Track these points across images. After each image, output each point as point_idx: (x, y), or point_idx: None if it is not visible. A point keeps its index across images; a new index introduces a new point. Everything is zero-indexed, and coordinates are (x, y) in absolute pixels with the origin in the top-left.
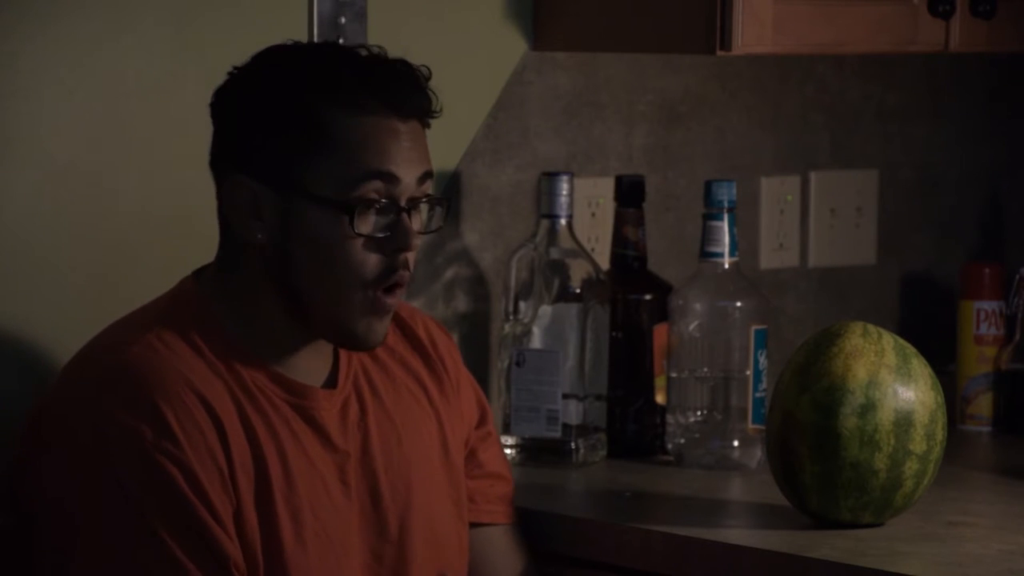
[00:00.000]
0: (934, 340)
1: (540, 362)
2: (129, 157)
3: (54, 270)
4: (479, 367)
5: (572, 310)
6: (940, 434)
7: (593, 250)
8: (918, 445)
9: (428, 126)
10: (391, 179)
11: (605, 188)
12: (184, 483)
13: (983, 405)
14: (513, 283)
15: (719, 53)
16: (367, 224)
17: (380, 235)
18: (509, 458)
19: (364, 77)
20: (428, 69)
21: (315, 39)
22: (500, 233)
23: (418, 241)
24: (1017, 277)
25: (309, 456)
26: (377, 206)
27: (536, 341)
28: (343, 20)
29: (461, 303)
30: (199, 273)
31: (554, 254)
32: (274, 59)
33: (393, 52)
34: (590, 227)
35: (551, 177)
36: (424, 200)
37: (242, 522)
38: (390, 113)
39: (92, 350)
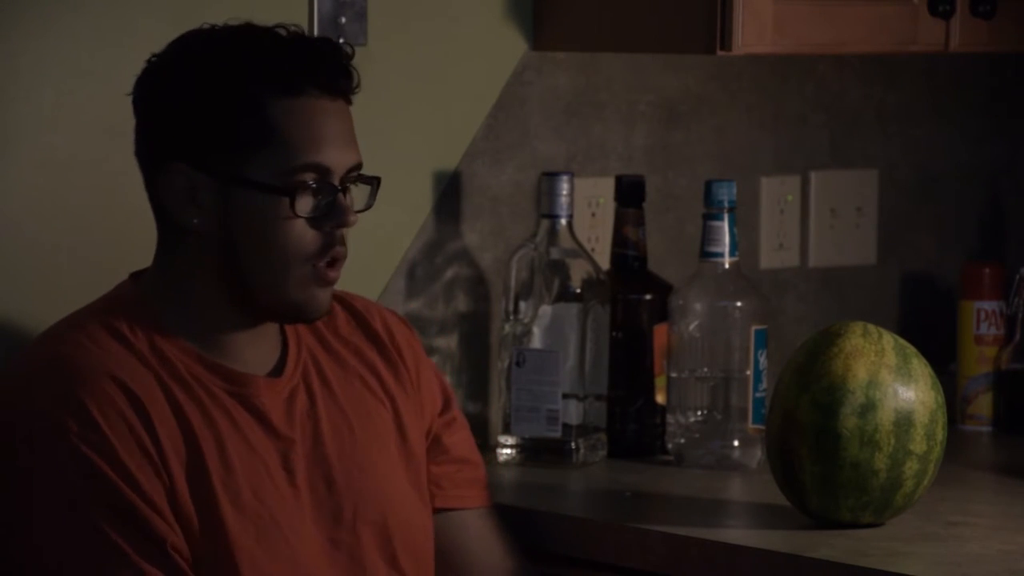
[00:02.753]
0: (934, 340)
1: (540, 362)
2: (128, 157)
3: (53, 269)
4: (479, 367)
5: (572, 310)
6: (940, 434)
7: (593, 250)
8: (918, 445)
9: (351, 103)
10: (327, 165)
11: (605, 188)
12: (111, 471)
13: (983, 405)
14: (513, 283)
15: (719, 53)
16: (306, 206)
17: (318, 215)
18: (509, 458)
19: (298, 59)
20: (352, 47)
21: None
22: (500, 233)
23: (355, 218)
24: (1017, 277)
25: (249, 442)
26: (314, 188)
27: (536, 341)
28: (343, 20)
29: (461, 303)
30: (137, 274)
31: (554, 254)
32: (203, 45)
33: (392, 52)
34: (590, 227)
35: (551, 177)
36: (356, 177)
37: (177, 505)
38: (322, 94)
39: (27, 350)
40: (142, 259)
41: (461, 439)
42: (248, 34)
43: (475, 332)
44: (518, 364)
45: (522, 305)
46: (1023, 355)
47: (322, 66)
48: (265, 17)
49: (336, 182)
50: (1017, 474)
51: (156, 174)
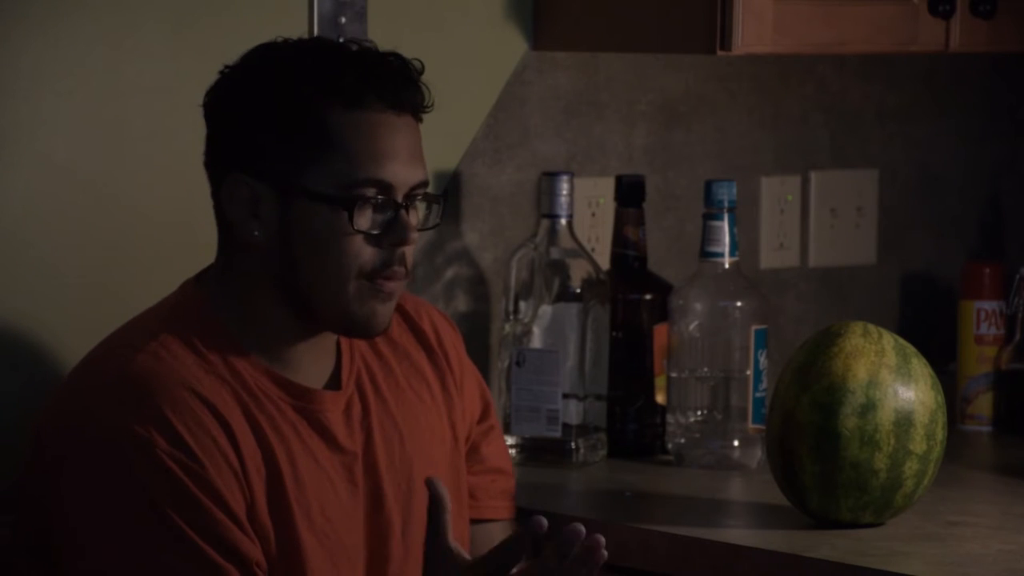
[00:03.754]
0: (934, 340)
1: (540, 362)
2: (128, 157)
3: (53, 270)
4: (479, 367)
5: (572, 310)
6: (940, 434)
7: (593, 250)
8: (918, 445)
9: (421, 120)
10: (389, 181)
11: (605, 188)
12: (200, 491)
13: (983, 405)
14: (513, 283)
15: (719, 53)
16: (365, 220)
17: (377, 231)
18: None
19: (361, 72)
20: (421, 63)
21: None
22: (500, 233)
23: (416, 236)
24: (1017, 277)
25: (316, 459)
26: (375, 203)
27: (536, 341)
28: (343, 20)
29: (461, 303)
30: (201, 276)
31: (554, 254)
32: (269, 57)
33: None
34: (590, 227)
35: (551, 177)
36: (420, 196)
37: (257, 522)
38: (386, 108)
39: (96, 359)
40: (142, 259)
41: (497, 449)
42: (315, 46)
43: (475, 332)
44: (518, 364)
45: (522, 305)
46: (1023, 355)
47: (387, 79)
48: (265, 17)
49: (399, 198)
50: (1017, 474)
51: (219, 185)
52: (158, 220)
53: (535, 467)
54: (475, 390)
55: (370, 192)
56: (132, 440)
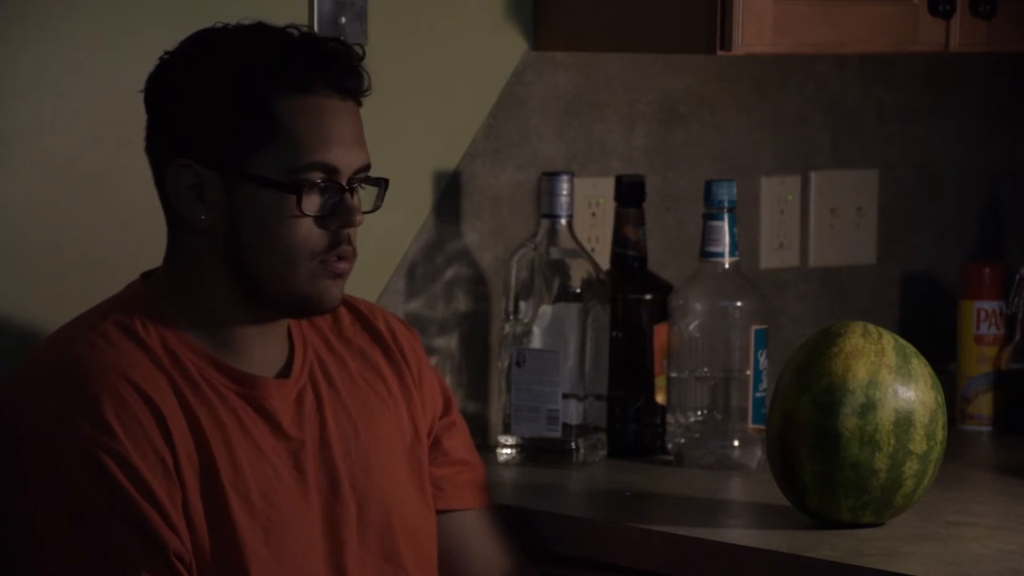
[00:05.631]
0: (934, 340)
1: (540, 362)
2: (128, 157)
3: (53, 269)
4: (479, 367)
5: (572, 310)
6: (940, 434)
7: (593, 250)
8: (918, 445)
9: (361, 105)
10: (334, 165)
11: (605, 188)
12: (122, 475)
13: (983, 405)
14: (513, 283)
15: (719, 53)
16: (312, 204)
17: (324, 214)
18: (509, 458)
19: (307, 58)
20: (362, 48)
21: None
22: (500, 233)
23: (361, 219)
24: (1017, 277)
25: (258, 445)
26: (321, 186)
27: (536, 341)
28: (343, 20)
29: (461, 303)
30: (147, 274)
31: (554, 254)
32: (210, 42)
33: (392, 52)
34: (590, 227)
35: (551, 177)
36: (364, 178)
37: (189, 509)
38: (332, 93)
39: (39, 349)
40: (142, 259)
41: (461, 442)
42: (259, 32)
43: (475, 332)
44: (518, 364)
45: (522, 305)
46: (1023, 355)
47: (332, 65)
48: (265, 17)
49: (344, 182)
50: (1017, 474)
51: (164, 170)
52: (158, 220)
53: (535, 467)
54: (435, 386)
55: (316, 176)
56: (58, 425)
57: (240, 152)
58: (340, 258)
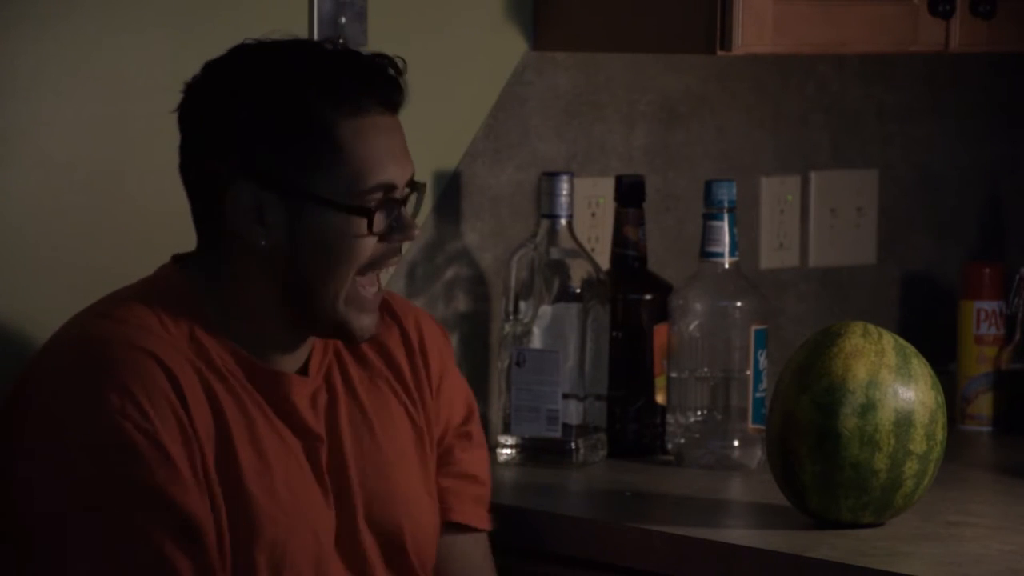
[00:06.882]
0: (934, 340)
1: (540, 362)
2: (129, 157)
3: (54, 270)
4: (479, 367)
5: (572, 310)
6: (940, 434)
7: (593, 250)
8: (918, 445)
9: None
10: (393, 182)
11: (605, 188)
12: (149, 448)
13: (983, 405)
14: (513, 283)
15: (719, 53)
16: (380, 223)
17: (388, 231)
18: (509, 458)
19: (359, 78)
20: (403, 59)
21: (315, 39)
22: (500, 233)
23: (418, 230)
24: (1017, 277)
25: (282, 437)
26: (386, 205)
27: (536, 341)
28: (343, 20)
29: (461, 303)
30: (180, 259)
31: (554, 254)
32: (259, 63)
33: (392, 52)
34: (590, 227)
35: (551, 177)
36: (412, 191)
37: (209, 480)
38: (383, 110)
39: (67, 324)
40: (142, 259)
41: (475, 457)
42: (306, 51)
43: (475, 332)
44: (518, 364)
45: (522, 305)
46: (1023, 355)
47: (382, 83)
48: (265, 17)
49: (399, 196)
50: (1017, 474)
51: (219, 192)
52: (158, 220)
53: (535, 467)
54: (458, 394)
55: (380, 196)
56: (87, 398)
57: (302, 175)
58: (387, 267)
